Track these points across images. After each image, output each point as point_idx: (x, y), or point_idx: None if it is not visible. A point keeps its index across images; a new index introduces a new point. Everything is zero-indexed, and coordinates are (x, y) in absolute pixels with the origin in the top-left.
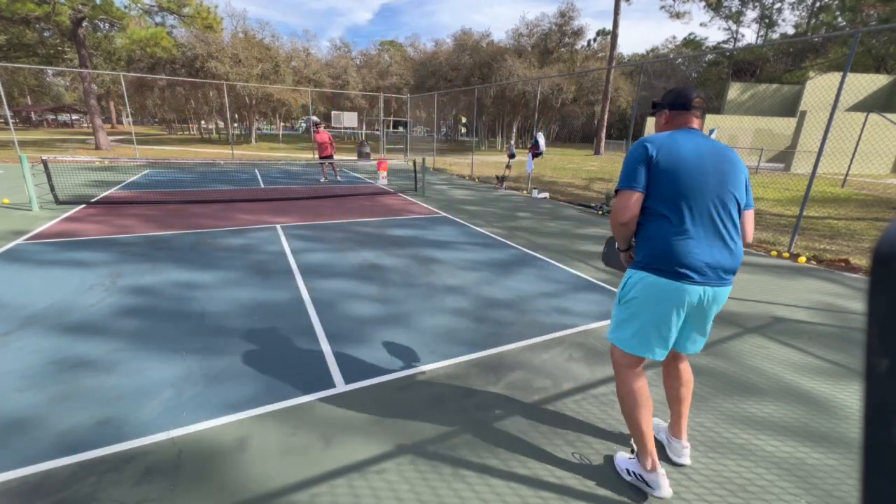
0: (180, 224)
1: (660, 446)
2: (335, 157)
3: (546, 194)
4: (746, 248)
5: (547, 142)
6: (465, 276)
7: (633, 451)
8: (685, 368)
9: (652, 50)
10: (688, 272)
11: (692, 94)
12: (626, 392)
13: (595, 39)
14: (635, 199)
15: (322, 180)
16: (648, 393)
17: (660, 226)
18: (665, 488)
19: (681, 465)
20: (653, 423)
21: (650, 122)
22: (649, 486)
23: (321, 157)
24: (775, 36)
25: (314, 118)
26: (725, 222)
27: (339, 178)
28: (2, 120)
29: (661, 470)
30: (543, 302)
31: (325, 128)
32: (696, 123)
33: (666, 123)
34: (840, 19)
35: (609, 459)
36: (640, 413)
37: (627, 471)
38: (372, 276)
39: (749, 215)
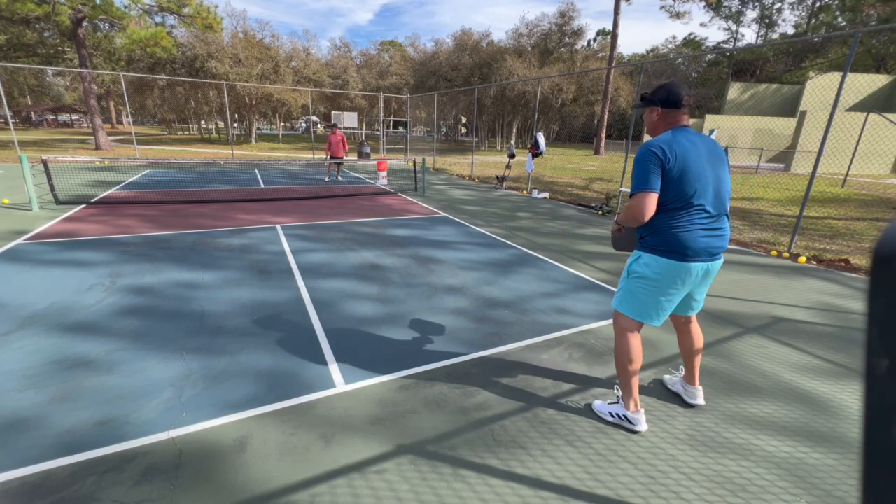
0: (180, 224)
1: (678, 412)
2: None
3: (546, 194)
4: (746, 249)
5: (547, 142)
6: (465, 276)
7: (617, 399)
8: (695, 329)
9: (652, 50)
10: (691, 255)
11: (682, 93)
12: (626, 350)
13: (595, 39)
14: (653, 200)
15: (326, 179)
16: (641, 351)
17: (669, 218)
18: (644, 424)
19: (696, 406)
20: (665, 378)
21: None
22: (631, 423)
23: (333, 157)
24: (775, 36)
25: (313, 118)
26: (720, 212)
27: (339, 177)
28: (2, 120)
29: (642, 410)
30: (543, 302)
31: (336, 129)
32: (685, 119)
33: (658, 119)
34: (840, 19)
35: (608, 460)
36: (633, 367)
37: (610, 413)
38: (372, 276)
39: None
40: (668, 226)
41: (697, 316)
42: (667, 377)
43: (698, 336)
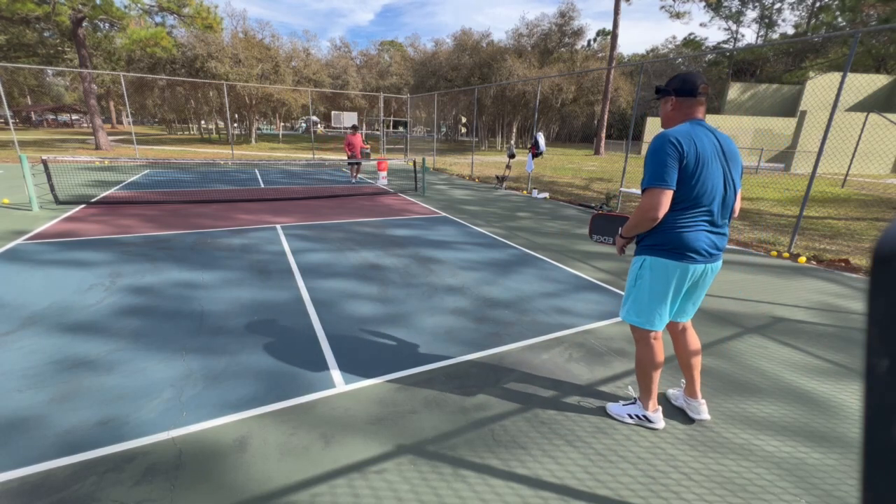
0: (180, 224)
1: (679, 411)
2: (352, 158)
3: (546, 194)
4: (746, 249)
5: (547, 142)
6: (465, 276)
7: (634, 400)
8: (692, 337)
9: (652, 50)
10: (694, 255)
11: (699, 81)
12: (651, 358)
13: (595, 39)
14: (668, 197)
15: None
16: (663, 354)
17: (675, 217)
18: (662, 421)
19: (701, 420)
20: (669, 393)
21: (650, 123)
22: (651, 422)
23: (353, 158)
24: (775, 36)
25: (313, 118)
26: (725, 212)
27: (353, 180)
28: (2, 120)
29: (660, 408)
30: (543, 302)
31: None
32: (701, 112)
33: (673, 110)
34: (840, 19)
35: (608, 460)
36: (656, 372)
37: (629, 415)
38: (372, 276)
39: (738, 195)
40: (672, 224)
41: (695, 319)
42: (670, 392)
43: (695, 342)
